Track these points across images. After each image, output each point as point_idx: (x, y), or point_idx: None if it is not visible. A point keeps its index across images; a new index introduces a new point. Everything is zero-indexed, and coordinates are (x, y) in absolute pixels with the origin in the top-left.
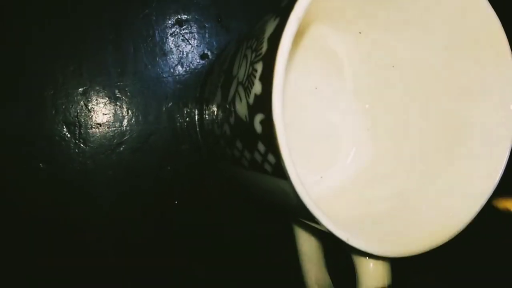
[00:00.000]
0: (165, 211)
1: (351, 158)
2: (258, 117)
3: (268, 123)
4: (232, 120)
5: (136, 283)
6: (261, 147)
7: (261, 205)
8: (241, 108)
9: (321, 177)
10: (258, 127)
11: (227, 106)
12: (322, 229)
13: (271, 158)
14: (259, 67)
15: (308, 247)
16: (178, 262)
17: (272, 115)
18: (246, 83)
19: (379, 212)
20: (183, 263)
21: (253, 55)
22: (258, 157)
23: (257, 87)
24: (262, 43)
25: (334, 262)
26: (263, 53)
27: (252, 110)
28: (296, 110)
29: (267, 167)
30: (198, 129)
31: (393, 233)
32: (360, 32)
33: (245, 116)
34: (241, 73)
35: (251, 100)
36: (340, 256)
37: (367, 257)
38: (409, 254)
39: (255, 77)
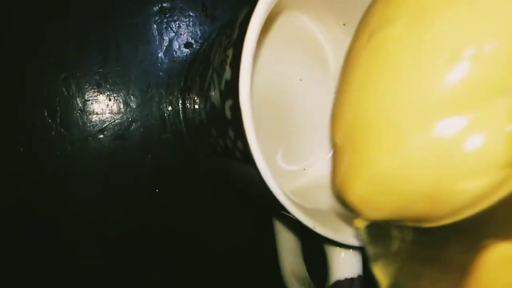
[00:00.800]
0: (146, 199)
1: None
2: (228, 103)
3: (236, 108)
4: (208, 107)
5: (115, 271)
6: (231, 133)
7: (245, 196)
8: (215, 95)
9: (304, 169)
10: (228, 113)
11: (204, 94)
12: (292, 216)
13: (239, 144)
14: (230, 53)
15: (285, 237)
16: (157, 252)
17: (239, 100)
18: (219, 69)
19: None
20: (162, 253)
21: (227, 41)
22: (229, 144)
23: (228, 73)
24: (234, 29)
25: (314, 255)
26: (234, 39)
27: (223, 96)
28: (280, 101)
29: (237, 153)
30: (181, 117)
31: None
32: (344, 24)
33: (218, 102)
34: (216, 60)
35: (222, 86)
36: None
37: (338, 247)
38: None
39: (226, 63)
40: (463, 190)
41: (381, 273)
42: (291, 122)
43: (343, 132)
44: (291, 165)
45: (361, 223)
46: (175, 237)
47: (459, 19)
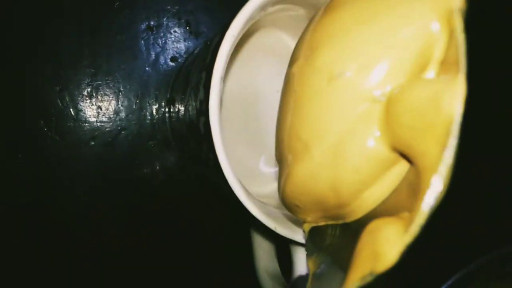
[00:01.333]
0: (136, 204)
1: None
2: (202, 120)
3: (207, 126)
4: (187, 120)
5: (108, 274)
6: (205, 146)
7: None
8: (192, 111)
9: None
10: (202, 128)
11: (185, 107)
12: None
13: (211, 156)
14: (204, 75)
15: (260, 238)
16: (149, 254)
17: (209, 118)
18: (195, 89)
19: None
20: (154, 255)
21: (202, 64)
22: (204, 155)
23: (201, 93)
24: (208, 53)
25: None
26: (207, 63)
27: (198, 113)
28: (260, 111)
29: (211, 164)
30: (168, 126)
31: None
32: None
33: (194, 118)
34: (194, 79)
35: (197, 104)
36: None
37: (300, 246)
38: None
39: (200, 84)
40: (354, 181)
41: (312, 263)
42: (271, 130)
43: (278, 150)
44: (273, 167)
45: (306, 226)
46: (171, 239)
47: (334, 51)
